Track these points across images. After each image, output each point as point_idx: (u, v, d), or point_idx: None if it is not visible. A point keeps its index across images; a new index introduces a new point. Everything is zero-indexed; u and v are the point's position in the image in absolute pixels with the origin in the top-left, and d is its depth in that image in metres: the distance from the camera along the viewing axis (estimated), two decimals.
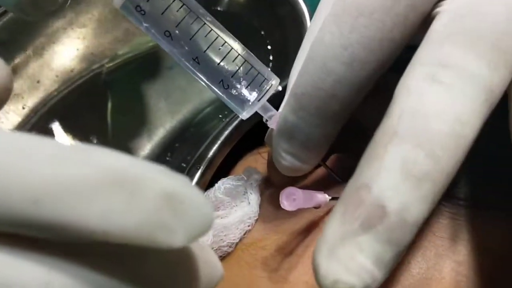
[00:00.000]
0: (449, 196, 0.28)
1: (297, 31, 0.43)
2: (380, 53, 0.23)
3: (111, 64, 0.44)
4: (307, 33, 0.28)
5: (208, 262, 0.17)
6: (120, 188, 0.14)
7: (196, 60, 0.27)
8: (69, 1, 0.26)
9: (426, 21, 0.23)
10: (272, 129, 0.29)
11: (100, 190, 0.14)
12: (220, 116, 0.42)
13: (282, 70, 0.39)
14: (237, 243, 0.31)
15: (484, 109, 0.20)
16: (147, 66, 0.44)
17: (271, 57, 0.44)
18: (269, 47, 0.44)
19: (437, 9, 0.23)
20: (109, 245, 0.15)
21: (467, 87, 0.20)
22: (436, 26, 0.22)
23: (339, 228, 0.19)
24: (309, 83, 0.25)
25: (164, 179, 0.14)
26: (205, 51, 0.27)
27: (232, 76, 0.28)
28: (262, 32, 0.45)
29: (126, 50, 0.45)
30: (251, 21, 0.45)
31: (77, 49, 0.43)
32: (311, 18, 0.43)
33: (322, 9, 0.28)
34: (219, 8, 0.47)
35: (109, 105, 0.42)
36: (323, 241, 0.19)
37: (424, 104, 0.20)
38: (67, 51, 0.42)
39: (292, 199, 0.25)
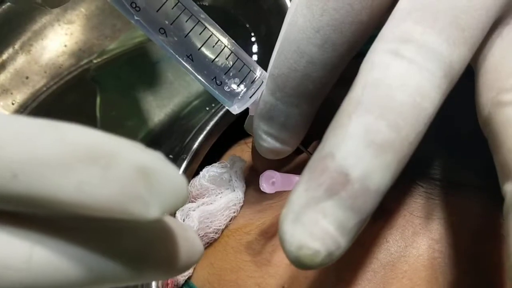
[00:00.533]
0: (425, 177, 0.28)
1: (281, 24, 0.44)
2: (350, 34, 0.24)
3: (99, 60, 0.44)
4: (285, 18, 0.29)
5: (188, 240, 0.17)
6: (94, 162, 0.14)
7: (190, 57, 0.28)
8: None
9: (393, 3, 0.24)
10: (251, 116, 0.30)
11: (75, 164, 0.14)
12: (207, 108, 0.42)
13: (267, 61, 0.40)
14: (223, 229, 0.32)
15: (444, 84, 0.21)
16: (134, 61, 0.45)
17: (255, 49, 0.45)
18: (253, 39, 0.45)
19: None
20: (89, 220, 0.15)
21: (427, 62, 0.21)
22: (400, 5, 0.23)
23: (303, 195, 0.20)
24: (284, 64, 0.26)
25: (137, 153, 0.15)
26: (199, 48, 0.28)
27: (225, 73, 0.28)
28: (247, 25, 0.45)
29: (114, 46, 0.45)
30: (236, 15, 0.46)
31: (65, 45, 0.43)
32: None
33: None
34: (205, 3, 0.47)
35: (98, 100, 0.43)
36: (289, 208, 0.20)
37: (386, 76, 0.20)
38: (55, 47, 0.43)
39: (271, 182, 0.26)
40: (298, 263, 0.19)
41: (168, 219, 0.17)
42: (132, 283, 0.16)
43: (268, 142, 0.28)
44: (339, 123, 0.20)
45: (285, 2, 0.44)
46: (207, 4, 0.47)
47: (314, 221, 0.19)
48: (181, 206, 0.16)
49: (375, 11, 0.24)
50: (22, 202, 0.14)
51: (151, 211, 0.15)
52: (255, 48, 0.45)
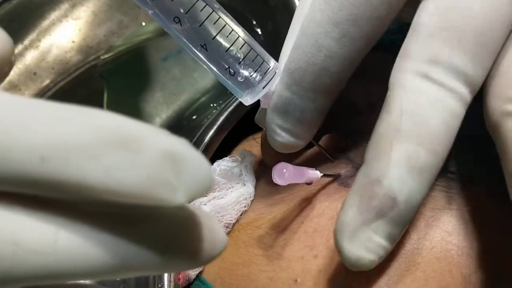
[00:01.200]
0: (441, 171, 0.29)
1: (289, 20, 0.44)
2: (368, 29, 0.25)
3: (106, 56, 0.44)
4: (295, 14, 0.29)
5: (213, 230, 0.17)
6: (123, 146, 0.14)
7: (204, 46, 0.28)
8: None
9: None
10: (262, 108, 0.30)
11: (104, 149, 0.14)
12: (215, 105, 0.42)
13: (275, 58, 0.40)
14: (234, 224, 0.32)
15: (469, 98, 0.24)
16: (141, 57, 0.45)
17: (263, 47, 0.45)
18: (261, 36, 0.45)
19: None
20: (115, 207, 0.15)
21: (455, 83, 0.23)
22: (422, 18, 0.24)
23: (358, 217, 0.24)
24: (302, 58, 0.26)
25: (164, 138, 0.15)
26: (214, 37, 0.28)
27: (238, 63, 0.28)
28: (254, 22, 0.45)
29: (121, 42, 0.45)
30: (243, 11, 0.46)
31: (73, 41, 0.43)
32: None
33: None
34: None
35: (105, 96, 0.43)
36: (344, 227, 0.24)
37: (420, 103, 0.23)
38: (63, 43, 0.43)
39: (283, 174, 0.26)
40: (355, 269, 0.24)
41: (194, 208, 0.17)
42: (157, 272, 0.16)
43: (283, 136, 0.28)
44: (382, 151, 0.24)
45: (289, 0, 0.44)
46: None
47: (368, 238, 0.24)
48: (207, 192, 0.16)
49: (393, 6, 0.25)
50: (50, 187, 0.14)
51: (178, 196, 0.15)
52: (262, 44, 0.46)
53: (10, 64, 0.18)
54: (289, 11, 0.44)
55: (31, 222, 0.14)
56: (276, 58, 0.40)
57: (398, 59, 0.25)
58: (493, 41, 0.24)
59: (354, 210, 0.24)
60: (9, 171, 0.14)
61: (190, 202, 0.15)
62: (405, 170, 0.23)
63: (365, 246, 0.24)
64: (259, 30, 0.46)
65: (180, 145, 0.15)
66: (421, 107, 0.23)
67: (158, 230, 0.16)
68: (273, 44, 0.45)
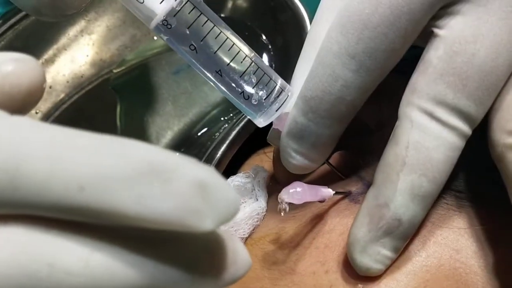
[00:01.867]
0: (447, 189, 0.29)
1: (298, 36, 0.45)
2: (383, 60, 0.26)
3: (119, 70, 0.45)
4: (307, 37, 0.30)
5: (237, 252, 0.18)
6: (155, 176, 0.15)
7: (219, 72, 0.29)
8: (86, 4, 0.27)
9: (423, 31, 0.26)
10: (275, 129, 0.31)
11: (137, 178, 0.15)
12: (226, 118, 0.43)
13: (284, 74, 0.41)
14: (247, 238, 0.33)
15: (469, 132, 0.27)
16: (153, 71, 0.46)
17: (273, 62, 0.46)
18: (271, 52, 0.46)
19: (434, 30, 0.26)
20: (144, 231, 0.16)
21: (458, 122, 0.26)
22: (432, 58, 0.26)
23: (367, 234, 0.27)
24: (318, 87, 0.27)
25: (195, 168, 0.16)
26: (228, 64, 0.29)
27: (252, 87, 0.29)
28: (264, 37, 0.46)
29: (133, 55, 0.46)
30: (253, 27, 0.46)
31: (87, 56, 0.44)
32: (311, 22, 0.44)
33: (323, 15, 0.30)
34: (222, 15, 0.48)
35: (118, 109, 0.44)
36: (355, 242, 0.27)
37: (425, 138, 0.26)
38: (78, 58, 0.44)
39: (298, 193, 0.27)
40: (366, 275, 0.28)
41: (219, 230, 0.18)
42: None
43: (297, 159, 0.29)
44: (390, 178, 0.27)
45: (303, 15, 0.45)
46: (224, 16, 0.48)
47: (377, 252, 0.27)
48: (233, 219, 0.16)
49: (407, 40, 0.26)
50: (87, 214, 0.15)
51: (207, 224, 0.15)
52: (271, 59, 0.46)
53: (42, 91, 0.18)
54: (299, 26, 0.45)
55: (65, 245, 0.15)
56: (286, 73, 0.41)
57: (407, 91, 0.27)
58: (495, 83, 0.26)
59: (364, 229, 0.27)
60: (49, 199, 0.15)
61: (217, 227, 0.16)
62: (409, 197, 0.26)
63: (375, 258, 0.27)
64: (269, 45, 0.46)
65: (209, 174, 0.16)
66: (425, 142, 0.26)
67: (185, 251, 0.17)
68: (283, 59, 0.46)
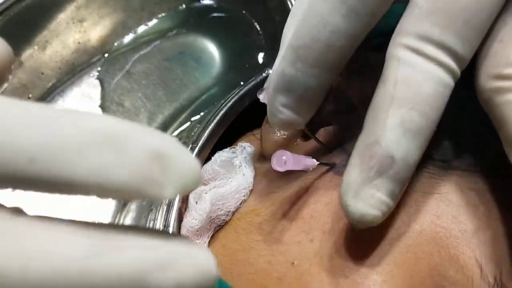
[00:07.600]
0: (429, 158, 0.30)
1: (285, 20, 0.45)
2: (373, 5, 0.26)
3: (110, 56, 0.46)
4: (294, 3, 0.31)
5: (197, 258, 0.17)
6: (110, 145, 0.15)
7: None
8: None
9: None
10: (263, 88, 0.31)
11: (91, 148, 0.15)
12: (215, 103, 0.44)
13: (274, 56, 0.42)
14: (233, 212, 0.34)
15: (457, 72, 0.26)
16: (145, 58, 0.47)
17: (263, 47, 0.47)
18: (261, 35, 0.46)
19: None
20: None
21: (445, 58, 0.25)
22: (418, 0, 0.26)
23: (359, 176, 0.25)
24: (307, 34, 0.27)
25: (150, 137, 0.16)
26: None
27: None
28: (255, 23, 0.47)
29: (125, 43, 0.47)
30: (244, 13, 0.47)
31: (79, 42, 0.45)
32: None
33: None
34: (214, 5, 0.49)
35: (110, 95, 0.45)
36: (348, 186, 0.26)
37: (413, 73, 0.25)
38: (69, 44, 0.44)
39: (282, 161, 0.28)
40: (361, 225, 0.26)
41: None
42: None
43: (285, 114, 0.29)
44: (379, 117, 0.26)
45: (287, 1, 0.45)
46: (217, 5, 0.49)
47: (371, 195, 0.25)
48: (196, 188, 0.17)
49: None
50: (39, 184, 0.15)
51: (166, 192, 0.15)
52: (262, 45, 0.47)
53: (9, 71, 0.18)
54: (286, 12, 0.45)
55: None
56: (276, 56, 0.41)
57: (393, 35, 0.26)
58: (482, 23, 0.25)
59: (356, 170, 0.26)
60: (1, 171, 0.15)
61: (181, 195, 0.16)
62: (400, 132, 0.25)
63: (369, 202, 0.25)
64: (260, 31, 0.47)
65: (166, 143, 0.16)
66: (413, 76, 0.25)
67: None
68: (273, 44, 0.47)
